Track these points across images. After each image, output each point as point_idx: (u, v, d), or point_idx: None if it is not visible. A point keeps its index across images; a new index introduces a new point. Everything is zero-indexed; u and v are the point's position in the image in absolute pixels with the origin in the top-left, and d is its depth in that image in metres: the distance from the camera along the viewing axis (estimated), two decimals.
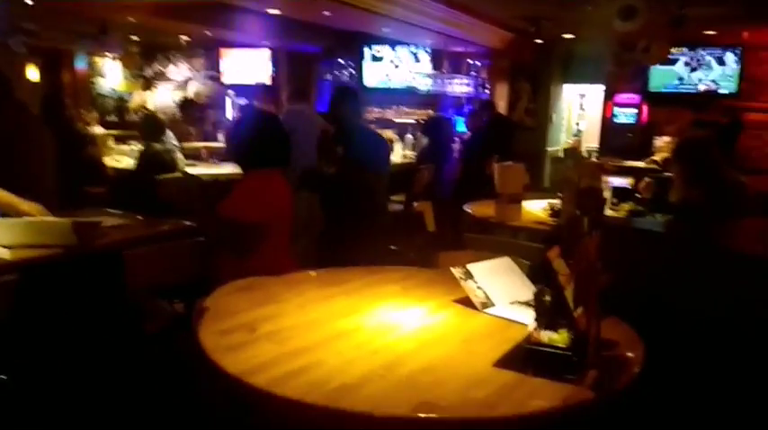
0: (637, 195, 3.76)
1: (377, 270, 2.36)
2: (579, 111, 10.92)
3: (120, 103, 11.53)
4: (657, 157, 6.72)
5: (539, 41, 8.26)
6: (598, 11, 5.81)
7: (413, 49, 9.16)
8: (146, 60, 11.78)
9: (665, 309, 2.25)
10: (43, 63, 10.15)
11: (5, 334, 2.09)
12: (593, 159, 7.78)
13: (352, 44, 9.49)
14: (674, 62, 7.91)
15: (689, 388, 2.09)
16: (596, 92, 9.51)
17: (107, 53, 11.09)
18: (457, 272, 2.06)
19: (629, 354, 1.68)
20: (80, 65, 10.66)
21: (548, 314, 1.62)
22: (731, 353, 2.13)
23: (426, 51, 9.10)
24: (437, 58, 9.05)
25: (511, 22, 8.00)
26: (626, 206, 3.67)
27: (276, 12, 7.19)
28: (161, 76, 11.90)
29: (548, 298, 1.62)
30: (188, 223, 2.88)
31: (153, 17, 7.51)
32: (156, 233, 2.82)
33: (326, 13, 6.48)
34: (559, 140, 10.06)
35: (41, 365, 2.31)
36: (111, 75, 11.44)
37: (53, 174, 3.76)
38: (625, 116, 8.38)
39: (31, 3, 6.40)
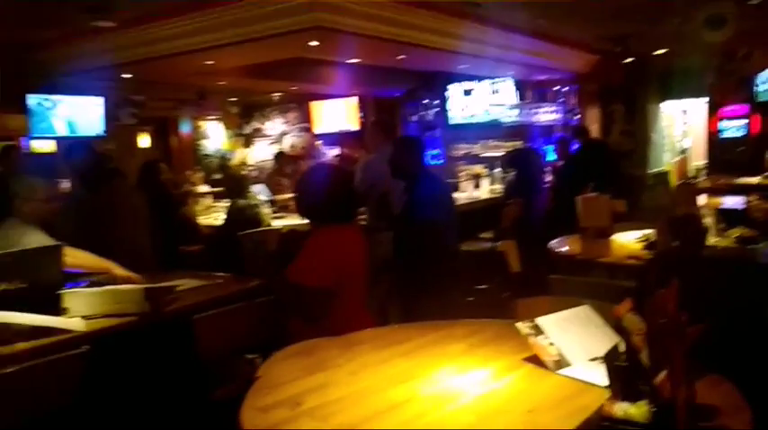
0: (756, 216, 3.35)
1: (442, 325, 2.20)
2: (683, 127, 10.21)
3: (224, 161, 12.20)
4: None
5: (628, 60, 7.84)
6: (688, 22, 5.40)
7: (496, 81, 9.00)
8: (244, 119, 12.47)
9: None
10: (153, 130, 11.01)
11: (78, 404, 2.13)
12: (702, 179, 7.18)
13: (435, 83, 9.50)
14: None
15: None
16: (700, 106, 8.84)
17: (208, 116, 11.85)
18: (523, 327, 1.86)
19: (733, 424, 1.40)
20: (185, 129, 11.44)
21: (624, 381, 1.39)
22: None
23: (510, 82, 8.90)
24: (521, 89, 8.82)
25: (595, 44, 7.67)
26: (736, 232, 3.26)
27: (356, 61, 7.35)
28: (259, 133, 12.52)
29: (622, 361, 1.40)
30: (261, 281, 2.88)
31: (243, 79, 7.95)
32: (228, 294, 2.82)
33: (401, 56, 6.52)
34: (662, 161, 9.40)
35: None
36: (214, 136, 12.18)
37: (147, 236, 3.98)
38: (733, 129, 7.68)
39: (129, 76, 6.95)
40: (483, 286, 4.73)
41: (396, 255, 3.69)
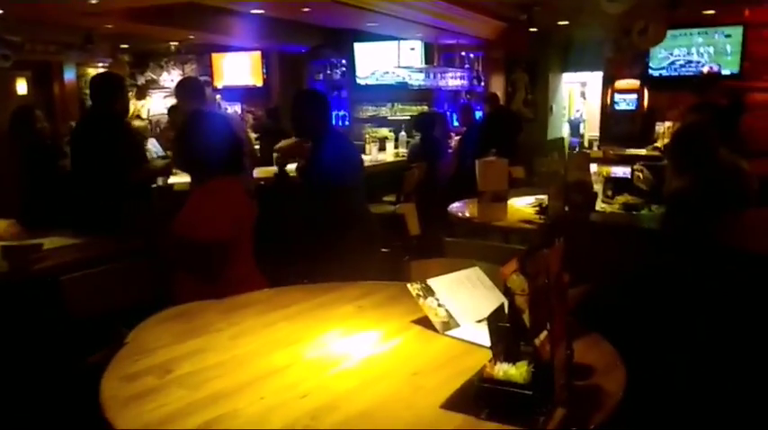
0: (639, 185, 3.50)
1: (332, 287, 2.12)
2: (581, 99, 10.64)
3: None
4: (659, 144, 6.44)
5: (533, 30, 7.98)
6: None
7: (404, 43, 8.90)
8: (137, 68, 11.64)
9: (656, 320, 1.99)
10: (32, 76, 10.03)
11: None
12: (595, 149, 7.53)
13: (342, 41, 9.27)
14: (673, 44, 7.60)
15: (683, 416, 1.84)
16: (597, 79, 9.20)
17: (96, 63, 10.95)
18: (413, 288, 1.82)
19: (607, 383, 1.43)
20: (69, 76, 10.53)
21: (506, 342, 1.37)
22: (731, 365, 1.87)
23: (418, 45, 8.84)
24: (429, 52, 8.79)
25: (502, 11, 7.73)
26: (621, 199, 3.41)
27: (259, 11, 6.99)
28: (154, 84, 11.74)
29: (504, 323, 1.38)
30: (137, 242, 2.67)
31: (134, 23, 7.34)
32: (99, 254, 2.59)
33: (306, 9, 6.25)
34: (560, 131, 9.77)
35: None
36: None
37: (12, 191, 3.60)
38: (626, 102, 8.07)
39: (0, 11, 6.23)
40: (385, 250, 4.71)
41: (302, 219, 3.47)
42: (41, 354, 2.31)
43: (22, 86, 9.83)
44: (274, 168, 5.63)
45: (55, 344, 2.33)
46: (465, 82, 8.80)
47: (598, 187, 3.43)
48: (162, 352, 1.58)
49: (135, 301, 2.53)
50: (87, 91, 10.98)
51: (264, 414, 1.29)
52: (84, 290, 2.36)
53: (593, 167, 3.98)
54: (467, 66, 8.95)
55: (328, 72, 9.79)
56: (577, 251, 1.74)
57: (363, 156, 6.85)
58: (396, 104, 9.49)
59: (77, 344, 2.38)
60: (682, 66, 7.70)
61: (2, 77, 8.91)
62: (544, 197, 3.37)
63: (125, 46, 10.49)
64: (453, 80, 8.61)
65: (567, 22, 8.03)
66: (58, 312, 2.28)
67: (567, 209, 3.05)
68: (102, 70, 11.09)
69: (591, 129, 9.65)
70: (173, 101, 11.01)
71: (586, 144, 9.23)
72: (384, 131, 8.86)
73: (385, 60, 9.12)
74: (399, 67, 8.70)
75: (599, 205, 3.29)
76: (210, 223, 2.33)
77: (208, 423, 1.24)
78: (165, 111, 10.68)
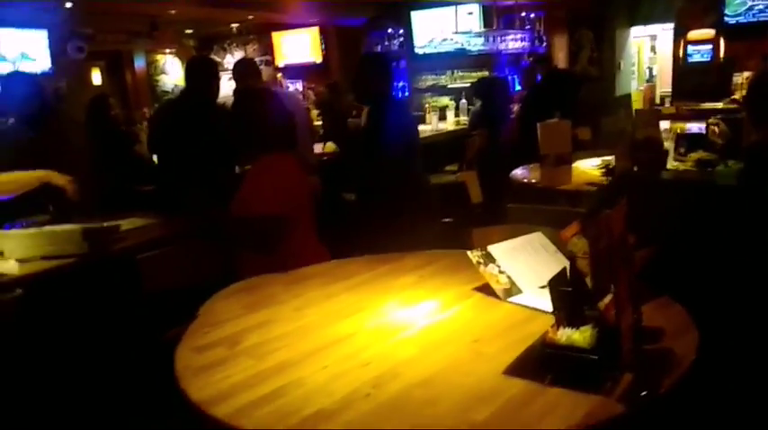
0: (714, 140, 3.30)
1: (393, 258, 2.13)
2: (651, 54, 10.08)
3: None
4: (738, 96, 6.02)
5: None
6: None
7: (461, 8, 8.68)
8: (202, 52, 11.92)
9: (732, 280, 1.89)
10: (106, 66, 10.48)
11: (12, 350, 2.04)
12: (667, 105, 7.15)
13: (399, 11, 9.15)
14: None
15: (758, 382, 1.74)
16: (668, 32, 8.68)
17: (165, 49, 11.30)
18: (474, 256, 1.80)
19: (678, 346, 1.37)
20: (139, 64, 10.92)
21: (568, 306, 1.34)
22: None
23: (476, 8, 8.60)
24: (488, 16, 8.54)
25: None
26: (695, 155, 3.22)
27: None
28: (219, 67, 12.01)
29: (566, 287, 1.34)
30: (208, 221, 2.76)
31: (195, 7, 7.51)
32: (173, 233, 2.70)
33: None
34: (630, 89, 9.30)
35: (52, 381, 2.26)
36: (172, 71, 11.67)
37: (89, 179, 3.78)
38: (700, 54, 7.57)
39: (70, 4, 6.51)
40: (448, 219, 4.68)
41: (356, 189, 3.47)
42: (120, 331, 2.45)
43: (96, 77, 10.29)
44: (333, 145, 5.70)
45: (132, 321, 2.46)
46: (526, 44, 8.50)
47: (670, 145, 3.27)
48: (230, 324, 1.64)
49: (208, 278, 2.64)
50: (158, 77, 11.44)
51: (328, 382, 1.32)
52: (159, 268, 2.48)
53: (666, 124, 3.80)
54: (527, 27, 8.64)
55: (386, 43, 9.70)
56: (647, 211, 1.67)
57: (424, 127, 6.81)
58: (455, 72, 9.29)
59: (154, 321, 2.51)
60: (761, 11, 7.12)
61: (78, 69, 9.33)
62: (611, 158, 3.25)
63: (189, 31, 10.76)
64: (514, 43, 8.33)
65: None
66: (136, 290, 2.41)
67: (635, 168, 2.92)
68: (170, 56, 11.48)
69: (662, 85, 9.14)
70: None
71: (657, 100, 8.76)
72: (444, 100, 8.74)
73: (443, 27, 8.93)
74: (457, 32, 8.50)
75: (671, 163, 3.13)
76: (262, 198, 2.37)
77: (274, 391, 1.28)
78: (231, 94, 10.95)
